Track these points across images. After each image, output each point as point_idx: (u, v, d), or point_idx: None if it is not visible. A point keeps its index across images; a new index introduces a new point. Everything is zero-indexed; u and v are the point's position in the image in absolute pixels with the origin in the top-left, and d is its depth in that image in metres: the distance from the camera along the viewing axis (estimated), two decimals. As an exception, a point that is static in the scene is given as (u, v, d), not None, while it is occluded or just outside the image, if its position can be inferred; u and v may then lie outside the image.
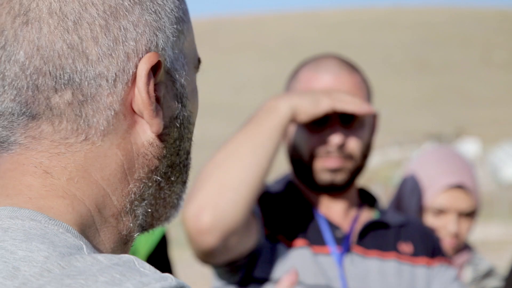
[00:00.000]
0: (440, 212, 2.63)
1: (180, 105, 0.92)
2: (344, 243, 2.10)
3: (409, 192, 2.66)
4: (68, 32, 0.86)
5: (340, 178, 2.06)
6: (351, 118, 2.06)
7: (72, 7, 0.86)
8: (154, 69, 0.88)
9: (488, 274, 2.73)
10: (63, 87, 0.86)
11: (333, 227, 2.09)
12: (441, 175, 2.63)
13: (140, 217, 0.91)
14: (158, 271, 0.78)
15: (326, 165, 2.05)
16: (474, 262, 2.75)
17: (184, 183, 0.95)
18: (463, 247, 2.73)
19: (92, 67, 0.86)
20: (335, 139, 2.03)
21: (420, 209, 2.62)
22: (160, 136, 0.90)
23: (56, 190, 0.86)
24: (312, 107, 1.97)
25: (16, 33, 0.86)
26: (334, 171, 2.05)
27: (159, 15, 0.90)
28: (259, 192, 1.98)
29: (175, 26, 0.91)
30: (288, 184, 2.15)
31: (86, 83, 0.86)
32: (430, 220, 2.62)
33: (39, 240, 0.79)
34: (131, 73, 0.87)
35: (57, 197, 0.86)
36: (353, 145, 2.06)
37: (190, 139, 0.95)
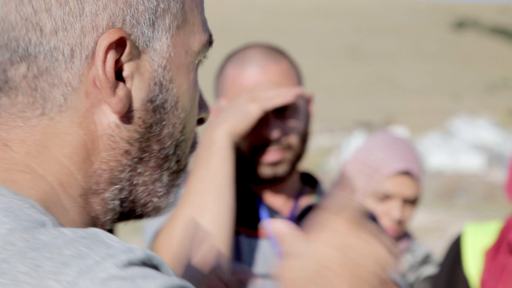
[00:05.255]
0: (386, 197, 2.64)
1: (157, 88, 0.88)
2: None
3: (353, 176, 2.68)
4: (22, 3, 0.84)
5: (281, 170, 2.07)
6: (284, 108, 2.07)
7: None
8: (120, 47, 0.85)
9: (425, 260, 2.75)
10: (18, 60, 0.84)
11: (272, 213, 2.13)
12: (389, 161, 2.64)
13: (112, 202, 0.88)
14: (125, 243, 0.77)
15: (266, 160, 2.06)
16: (412, 249, 2.77)
17: (175, 172, 0.92)
18: (403, 234, 2.76)
19: (46, 40, 0.84)
20: (272, 133, 2.05)
21: (365, 193, 2.64)
22: (128, 119, 0.87)
23: (17, 164, 0.85)
24: (245, 121, 1.98)
25: None
26: (275, 164, 2.06)
27: None
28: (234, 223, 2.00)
29: (155, 3, 0.87)
30: None
31: (42, 56, 0.84)
32: (373, 205, 2.63)
33: (3, 213, 0.79)
34: (90, 49, 0.84)
35: (18, 171, 0.84)
36: (290, 134, 2.07)
37: (180, 126, 0.90)
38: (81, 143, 0.86)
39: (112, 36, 0.84)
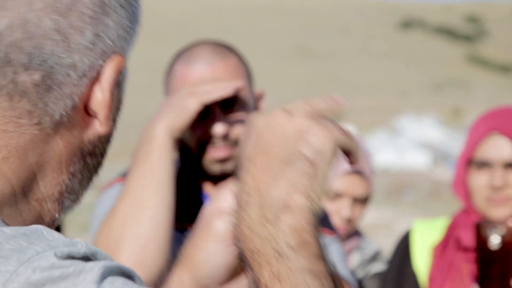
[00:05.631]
0: (336, 196, 2.66)
1: (118, 110, 0.92)
2: None
3: None
4: (58, 14, 0.84)
5: (230, 167, 2.06)
6: (231, 104, 2.06)
7: None
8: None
9: (374, 258, 2.79)
10: (35, 67, 0.84)
11: None
12: (339, 160, 2.85)
13: (67, 207, 0.90)
14: (69, 238, 0.77)
15: (214, 156, 2.05)
16: (362, 247, 2.80)
17: (92, 176, 0.94)
18: (354, 232, 2.78)
19: (70, 55, 0.85)
20: (218, 129, 2.04)
21: None
22: (102, 136, 0.90)
23: None
24: (184, 116, 1.98)
25: (5, 0, 0.83)
26: (223, 161, 2.06)
27: (132, 21, 0.90)
28: (174, 218, 2.02)
29: (131, 32, 0.91)
30: (178, 168, 2.17)
31: (59, 69, 0.84)
32: (325, 204, 2.62)
33: None
34: (96, 70, 0.86)
35: None
36: (238, 130, 2.07)
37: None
38: (58, 154, 0.87)
39: (121, 64, 0.87)
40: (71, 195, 0.89)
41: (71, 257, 0.74)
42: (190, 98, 1.99)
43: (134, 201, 1.94)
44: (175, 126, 1.97)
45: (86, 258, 0.75)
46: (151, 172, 1.96)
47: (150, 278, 1.92)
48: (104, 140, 0.90)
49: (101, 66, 0.86)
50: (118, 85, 0.90)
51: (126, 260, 1.91)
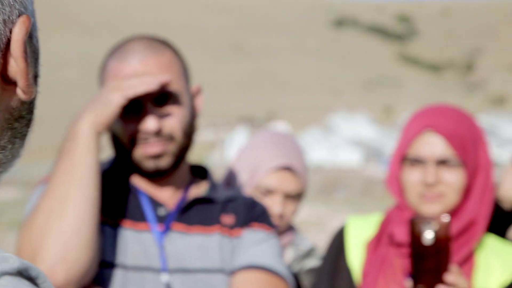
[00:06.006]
0: (268, 192, 2.64)
1: (37, 62, 0.89)
2: (166, 221, 2.08)
3: (239, 172, 2.67)
4: None
5: (164, 163, 2.03)
6: (165, 99, 2.03)
7: None
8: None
9: (309, 254, 2.76)
10: None
11: (156, 205, 2.08)
12: (271, 156, 2.65)
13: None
14: (1, 251, 0.75)
15: (147, 152, 2.02)
16: (296, 243, 2.77)
17: (24, 138, 0.92)
18: (287, 228, 2.74)
19: None
20: (149, 124, 2.00)
21: (250, 188, 2.66)
22: (26, 101, 0.89)
23: None
24: (108, 110, 1.95)
25: None
26: (156, 157, 2.02)
27: None
28: (99, 213, 1.97)
29: None
30: (113, 164, 2.15)
31: None
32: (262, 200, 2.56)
33: None
34: (3, 41, 0.84)
35: None
36: (171, 125, 2.03)
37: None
38: None
39: (28, 25, 0.85)
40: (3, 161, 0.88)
41: (3, 274, 0.72)
42: (114, 93, 1.96)
43: (57, 197, 1.92)
44: (99, 121, 1.95)
45: (20, 274, 0.74)
46: (74, 167, 1.93)
47: (74, 274, 1.89)
48: (29, 102, 0.89)
49: (8, 35, 0.84)
50: (30, 38, 0.87)
51: (49, 257, 1.88)
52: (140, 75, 2.00)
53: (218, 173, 2.33)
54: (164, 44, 2.07)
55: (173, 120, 2.02)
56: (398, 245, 2.26)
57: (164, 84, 1.99)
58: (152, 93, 2.00)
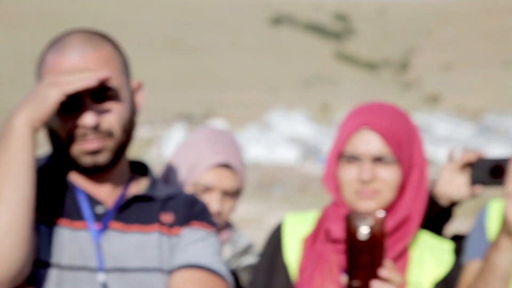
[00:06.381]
0: (206, 189, 2.64)
1: None
2: (103, 220, 2.05)
3: (177, 168, 2.66)
4: None
5: (102, 159, 2.01)
6: (104, 95, 2.00)
7: None
8: None
9: (246, 251, 2.76)
10: None
11: (94, 203, 2.05)
12: (209, 154, 2.64)
13: None
14: None
15: (85, 148, 1.99)
16: (234, 240, 2.77)
17: None
18: (225, 225, 2.74)
19: None
20: (87, 119, 1.97)
21: (188, 185, 2.63)
22: None
23: None
24: (44, 107, 1.92)
25: None
26: (94, 153, 2.00)
27: None
28: (34, 212, 1.93)
29: None
30: (50, 160, 2.12)
31: None
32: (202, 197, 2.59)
33: None
34: None
35: None
36: (110, 121, 2.00)
37: None
38: None
39: None
40: None
41: None
42: (52, 89, 1.93)
43: None
44: (35, 117, 1.91)
45: None
46: (9, 165, 1.90)
47: (6, 274, 1.87)
48: None
49: None
50: None
51: None
52: (79, 70, 1.97)
53: (155, 170, 2.30)
54: (104, 38, 2.05)
55: (112, 116, 1.99)
56: (334, 241, 2.28)
57: (103, 80, 1.96)
58: (91, 89, 1.98)
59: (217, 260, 2.08)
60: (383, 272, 2.06)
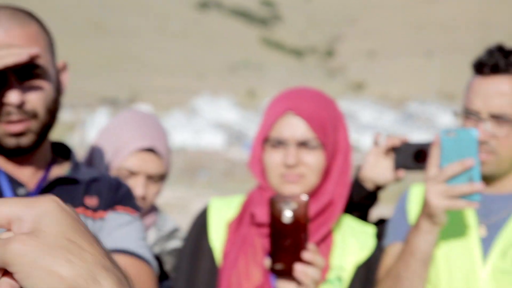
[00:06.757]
0: (130, 174, 2.62)
1: None
2: None
3: (101, 152, 2.64)
4: None
5: (26, 141, 1.96)
6: (29, 73, 1.95)
7: None
8: None
9: (172, 235, 2.76)
10: None
11: (15, 185, 2.02)
12: (133, 138, 2.62)
13: None
14: None
15: (9, 130, 1.95)
16: (159, 224, 2.77)
17: None
18: (150, 209, 2.75)
19: None
20: (12, 97, 1.92)
21: (113, 170, 2.61)
22: None
23: None
24: None
25: None
26: (18, 135, 1.96)
27: None
28: None
29: None
30: None
31: None
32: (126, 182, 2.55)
33: None
34: None
35: None
36: (35, 101, 1.95)
37: None
38: None
39: None
40: None
41: None
42: None
43: None
44: None
45: None
46: None
47: None
48: None
49: None
50: None
51: None
52: (5, 46, 1.91)
53: (78, 155, 2.26)
54: (30, 16, 2.00)
55: (37, 96, 1.95)
56: (259, 225, 2.30)
57: (33, 57, 1.91)
58: (16, 66, 1.93)
59: (141, 245, 2.07)
60: (307, 255, 2.07)
